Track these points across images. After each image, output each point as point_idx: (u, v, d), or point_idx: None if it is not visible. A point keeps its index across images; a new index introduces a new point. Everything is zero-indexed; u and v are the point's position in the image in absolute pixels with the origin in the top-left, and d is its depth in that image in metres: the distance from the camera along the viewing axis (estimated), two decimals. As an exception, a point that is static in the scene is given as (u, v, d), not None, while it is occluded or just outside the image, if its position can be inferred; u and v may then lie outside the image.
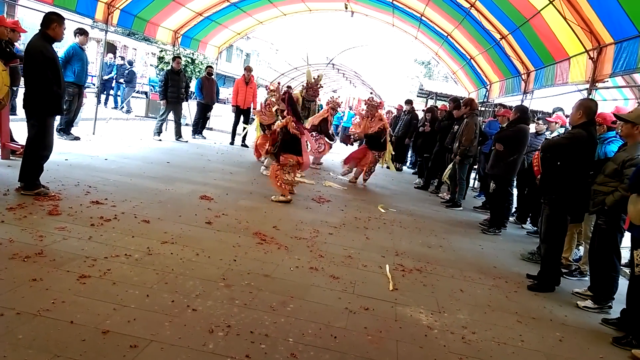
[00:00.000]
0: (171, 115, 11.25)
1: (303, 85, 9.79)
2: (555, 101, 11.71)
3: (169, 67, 11.46)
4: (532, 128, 7.57)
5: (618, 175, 4.12)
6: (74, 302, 2.86)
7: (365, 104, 9.34)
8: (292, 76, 19.54)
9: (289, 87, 14.66)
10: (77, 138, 8.72)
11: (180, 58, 11.64)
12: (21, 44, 8.10)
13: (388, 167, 10.35)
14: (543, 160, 4.91)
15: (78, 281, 3.13)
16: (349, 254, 4.73)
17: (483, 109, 13.28)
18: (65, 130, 8.49)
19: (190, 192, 6.19)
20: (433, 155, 9.67)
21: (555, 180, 4.62)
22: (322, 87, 9.64)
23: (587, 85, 6.92)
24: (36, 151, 4.92)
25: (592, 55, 6.79)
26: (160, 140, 10.52)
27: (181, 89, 11.08)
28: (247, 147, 11.78)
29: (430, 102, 20.09)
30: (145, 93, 19.52)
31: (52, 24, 4.84)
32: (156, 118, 11.36)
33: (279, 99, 7.18)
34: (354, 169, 9.49)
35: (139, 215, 4.80)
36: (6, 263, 3.22)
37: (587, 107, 4.55)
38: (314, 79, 9.11)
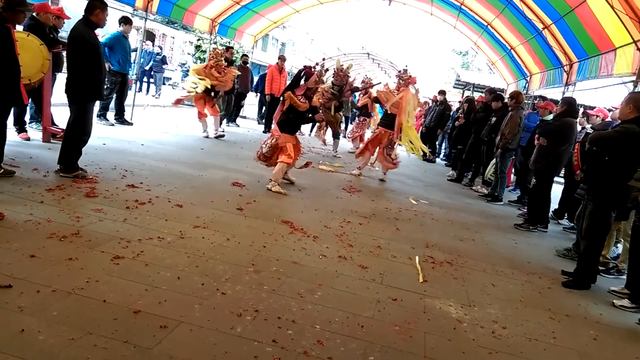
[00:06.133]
0: None
1: (334, 70, 9.74)
2: (598, 94, 11.31)
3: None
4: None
5: None
6: (107, 281, 2.93)
7: (396, 76, 8.69)
8: (327, 65, 19.48)
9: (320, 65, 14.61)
10: (130, 123, 9.10)
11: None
12: (64, 31, 8.34)
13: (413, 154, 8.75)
14: (585, 154, 4.73)
15: (112, 262, 3.22)
16: (379, 244, 4.70)
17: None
18: (104, 115, 8.72)
19: (223, 178, 6.27)
20: (467, 147, 9.46)
21: (601, 175, 4.44)
22: (349, 76, 9.58)
23: (634, 78, 6.63)
24: (76, 135, 5.06)
25: (640, 46, 6.49)
26: (223, 131, 10.33)
27: (234, 79, 11.19)
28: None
29: (467, 93, 19.69)
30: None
31: (95, 10, 4.94)
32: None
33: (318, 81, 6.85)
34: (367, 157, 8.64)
35: (173, 199, 4.89)
36: (44, 242, 3.33)
37: (638, 101, 4.34)
38: (342, 66, 9.14)
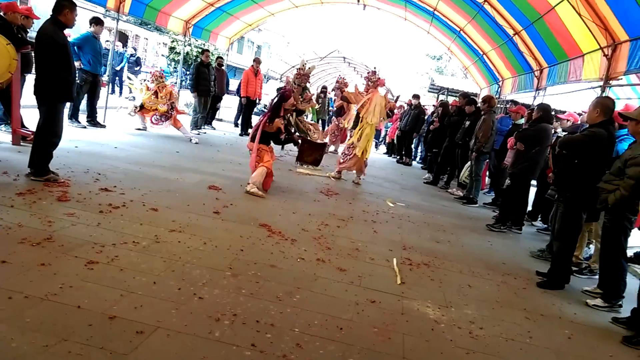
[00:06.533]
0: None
1: (297, 69, 9.76)
2: (567, 98, 11.61)
3: (199, 61, 11.55)
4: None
5: (622, 174, 4.05)
6: (81, 287, 2.86)
7: (365, 78, 8.72)
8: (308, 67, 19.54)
9: (324, 87, 14.76)
10: (102, 125, 9.00)
11: (209, 51, 11.72)
12: (33, 31, 8.14)
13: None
14: (556, 158, 4.84)
15: (86, 267, 3.14)
16: (357, 246, 4.71)
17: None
18: (76, 117, 8.53)
19: (199, 181, 6.20)
20: (442, 151, 9.60)
21: (572, 178, 4.56)
22: (309, 75, 9.65)
23: (601, 83, 6.83)
24: (46, 137, 4.93)
25: (606, 53, 6.69)
26: (198, 134, 10.47)
27: (210, 81, 11.22)
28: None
29: (442, 98, 19.96)
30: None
31: (63, 10, 4.83)
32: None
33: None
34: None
35: (148, 203, 4.81)
36: (15, 247, 3.23)
37: (605, 105, 4.48)
38: (305, 67, 9.24)
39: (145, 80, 9.86)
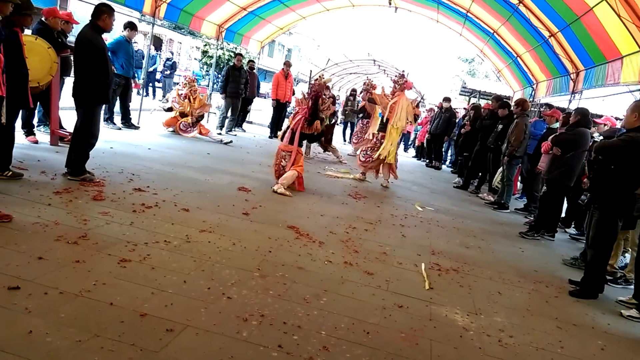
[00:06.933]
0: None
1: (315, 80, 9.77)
2: (604, 102, 11.28)
3: (232, 64, 11.81)
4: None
5: None
6: (114, 284, 2.94)
7: (392, 81, 8.72)
8: (333, 72, 19.52)
9: (353, 90, 14.72)
10: (136, 127, 9.27)
11: (241, 55, 11.98)
12: (72, 35, 8.41)
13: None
14: (592, 163, 4.70)
15: (119, 265, 3.23)
16: (384, 250, 4.69)
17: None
18: (112, 119, 8.76)
19: (229, 183, 6.28)
20: (474, 155, 9.45)
21: (608, 184, 4.42)
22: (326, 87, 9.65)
23: (641, 86, 6.61)
24: (83, 139, 5.09)
25: (646, 55, 6.47)
26: (220, 134, 10.81)
27: (241, 84, 11.44)
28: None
29: (473, 100, 19.68)
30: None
31: (102, 15, 4.99)
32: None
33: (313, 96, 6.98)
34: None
35: (179, 203, 4.90)
36: (51, 244, 3.34)
37: None
38: (321, 78, 9.25)
39: (177, 85, 10.17)
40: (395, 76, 8.60)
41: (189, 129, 9.79)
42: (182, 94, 9.88)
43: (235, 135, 11.44)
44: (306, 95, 6.91)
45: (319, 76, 9.40)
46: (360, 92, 12.39)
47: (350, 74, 23.68)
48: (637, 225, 4.90)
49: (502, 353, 3.03)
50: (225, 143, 9.75)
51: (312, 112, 6.64)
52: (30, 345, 2.22)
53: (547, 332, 3.50)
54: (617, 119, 7.24)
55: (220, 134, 10.79)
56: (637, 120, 4.31)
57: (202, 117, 10.16)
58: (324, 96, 7.04)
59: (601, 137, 6.00)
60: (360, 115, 12.22)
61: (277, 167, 6.59)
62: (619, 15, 6.57)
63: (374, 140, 8.47)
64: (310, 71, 8.26)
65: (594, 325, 3.83)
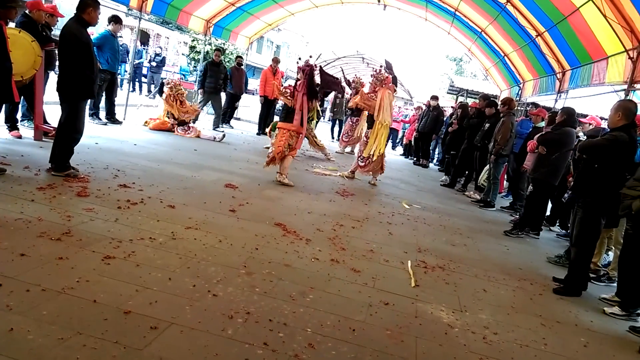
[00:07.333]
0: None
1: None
2: (590, 102, 11.41)
3: (210, 59, 11.68)
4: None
5: None
6: (98, 281, 2.91)
7: (371, 76, 8.52)
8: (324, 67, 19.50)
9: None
10: (119, 122, 9.14)
11: (220, 50, 11.88)
12: (57, 29, 8.29)
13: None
14: (576, 162, 4.75)
15: (103, 262, 3.19)
16: (371, 248, 4.70)
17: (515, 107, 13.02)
18: (97, 114, 8.66)
19: (216, 180, 6.25)
20: (460, 153, 9.51)
21: (591, 183, 4.47)
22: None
23: (625, 86, 6.70)
24: (68, 134, 5.02)
25: (631, 55, 6.56)
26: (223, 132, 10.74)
27: (219, 80, 11.36)
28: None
29: (461, 99, 19.79)
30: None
31: (87, 8, 4.90)
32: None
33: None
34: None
35: (165, 200, 4.86)
36: (34, 241, 3.29)
37: (627, 109, 4.38)
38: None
39: (167, 84, 10.08)
40: (375, 70, 8.48)
41: (187, 132, 9.78)
42: (170, 95, 9.81)
43: (223, 132, 11.36)
44: (300, 77, 6.99)
45: (309, 57, 9.31)
46: (350, 93, 12.30)
47: (338, 71, 23.65)
48: (620, 224, 4.96)
49: (486, 350, 3.06)
50: (220, 140, 9.69)
51: (309, 88, 6.77)
52: (11, 343, 2.18)
53: (531, 329, 3.54)
54: (602, 118, 7.34)
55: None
56: (621, 120, 4.36)
57: (196, 119, 10.20)
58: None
59: (585, 137, 6.07)
60: (349, 113, 12.20)
61: (281, 149, 6.70)
62: (604, 16, 6.65)
63: (366, 140, 8.43)
64: (299, 58, 8.06)
65: (577, 323, 3.88)
